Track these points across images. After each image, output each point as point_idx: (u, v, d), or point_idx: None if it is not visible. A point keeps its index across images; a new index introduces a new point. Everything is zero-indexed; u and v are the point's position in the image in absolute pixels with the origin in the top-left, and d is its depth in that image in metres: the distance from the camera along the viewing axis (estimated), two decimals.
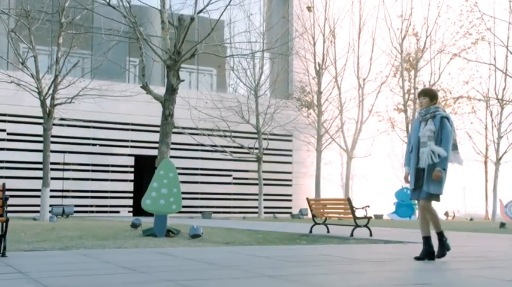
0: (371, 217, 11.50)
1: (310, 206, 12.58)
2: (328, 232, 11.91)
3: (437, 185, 6.14)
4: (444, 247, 6.29)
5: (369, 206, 11.65)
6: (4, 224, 6.23)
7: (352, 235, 10.56)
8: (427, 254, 6.22)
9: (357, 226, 10.93)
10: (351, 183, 33.89)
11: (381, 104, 34.15)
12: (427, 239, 6.26)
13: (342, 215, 12.05)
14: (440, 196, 6.27)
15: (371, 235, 10.76)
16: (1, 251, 6.18)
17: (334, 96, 32.72)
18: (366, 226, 11.03)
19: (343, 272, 5.15)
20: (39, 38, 21.44)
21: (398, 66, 33.79)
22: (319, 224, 12.24)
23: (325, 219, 12.41)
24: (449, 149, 6.17)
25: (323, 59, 32.23)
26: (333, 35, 32.77)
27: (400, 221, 25.80)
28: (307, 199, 12.87)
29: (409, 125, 33.11)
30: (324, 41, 32.47)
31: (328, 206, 12.61)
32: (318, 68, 32.12)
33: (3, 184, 6.57)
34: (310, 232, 11.88)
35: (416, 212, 31.19)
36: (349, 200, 11.33)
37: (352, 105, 33.30)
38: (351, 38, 33.47)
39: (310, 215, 14.03)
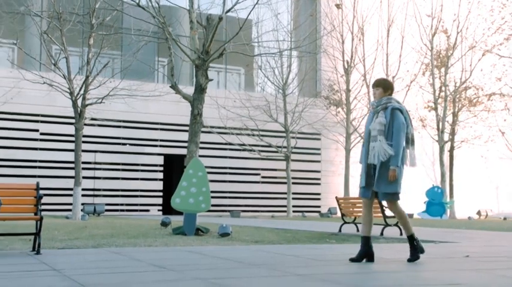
0: None
1: (339, 205, 12.52)
2: (357, 231, 11.82)
3: (390, 184, 5.69)
4: (417, 250, 5.85)
5: None
6: (38, 222, 6.36)
7: (382, 234, 10.46)
8: (366, 255, 5.77)
9: (387, 225, 10.83)
10: None
11: (411, 102, 33.72)
12: (366, 240, 5.80)
13: None
14: (400, 195, 5.81)
15: (401, 234, 10.64)
16: (36, 249, 6.32)
17: (363, 94, 32.44)
18: (396, 225, 10.92)
19: (373, 272, 5.11)
20: (70, 39, 21.81)
21: (428, 64, 33.32)
22: (348, 223, 12.16)
23: (355, 218, 12.33)
24: (400, 144, 5.71)
25: (352, 56, 32.01)
26: (362, 33, 32.50)
27: (431, 220, 25.45)
28: (336, 197, 12.81)
29: (440, 123, 32.63)
30: (353, 39, 32.22)
31: (357, 205, 12.52)
32: (346, 66, 31.91)
33: (37, 183, 6.71)
34: (340, 231, 11.82)
35: (448, 211, 30.74)
36: None
37: None
38: (380, 35, 33.14)
39: (339, 214, 13.95)
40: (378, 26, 33.26)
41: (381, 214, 11.03)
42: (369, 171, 5.81)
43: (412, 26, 33.28)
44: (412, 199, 30.30)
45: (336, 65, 32.51)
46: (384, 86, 6.02)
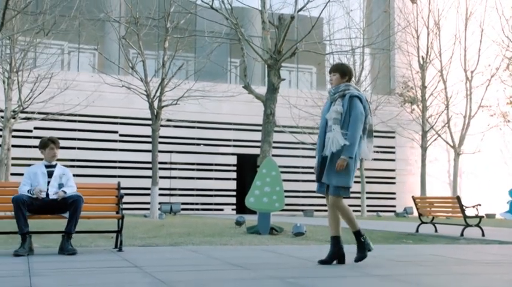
0: (483, 216, 10.92)
1: (416, 204, 12.19)
2: (436, 231, 11.46)
3: (342, 176, 5.19)
4: (364, 248, 5.40)
5: (480, 205, 11.09)
6: (120, 220, 6.59)
7: (462, 234, 10.09)
8: (336, 256, 5.39)
9: (467, 225, 10.43)
10: (459, 180, 32.38)
11: (492, 98, 32.29)
12: (335, 240, 5.42)
13: (450, 214, 11.57)
14: (350, 190, 5.32)
15: (483, 235, 10.21)
16: (118, 246, 6.56)
17: (440, 91, 31.41)
18: (477, 225, 10.49)
19: (454, 274, 4.93)
20: (146, 43, 22.52)
21: (511, 57, 31.77)
22: (426, 223, 11.82)
23: (433, 218, 11.96)
24: (356, 134, 5.21)
25: (427, 52, 31.07)
26: (438, 27, 31.47)
27: None
28: (412, 197, 12.48)
29: None
30: (428, 34, 31.27)
31: (435, 204, 12.15)
32: (421, 62, 31.01)
33: (118, 183, 6.96)
34: (417, 231, 11.50)
35: None
36: (458, 198, 10.84)
37: (459, 99, 31.80)
38: (457, 29, 31.97)
39: (415, 214, 13.59)
40: (455, 20, 32.09)
41: (461, 214, 10.65)
42: (323, 163, 5.36)
43: (493, 18, 31.84)
44: (493, 198, 29.06)
45: (411, 61, 31.67)
46: (341, 72, 5.52)
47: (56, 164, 6.63)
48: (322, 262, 5.35)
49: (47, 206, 6.27)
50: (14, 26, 18.18)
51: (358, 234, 5.46)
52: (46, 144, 6.65)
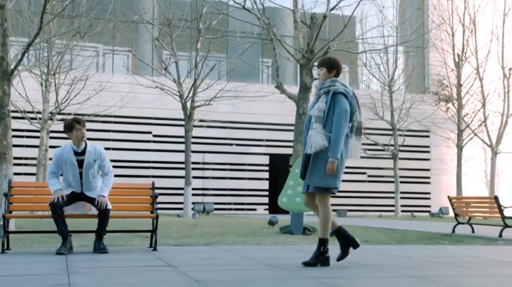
0: None
1: (452, 204, 11.97)
2: (473, 232, 11.24)
3: (329, 177, 4.95)
4: (317, 258, 5.06)
5: None
6: (154, 220, 6.66)
7: (500, 235, 9.87)
8: (351, 244, 5.26)
9: (506, 226, 10.19)
10: (497, 180, 31.67)
11: None
12: (340, 231, 5.28)
13: (487, 215, 11.33)
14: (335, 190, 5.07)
15: None
16: (153, 246, 6.63)
17: (476, 89, 30.78)
18: None
19: (493, 275, 4.83)
20: (179, 44, 22.73)
21: None
22: (462, 223, 11.60)
23: (469, 218, 11.73)
24: (339, 133, 4.94)
25: (463, 49, 30.48)
26: (474, 24, 30.85)
27: None
28: (448, 197, 12.27)
29: None
30: (464, 31, 30.68)
31: (472, 204, 11.91)
32: (457, 60, 30.44)
33: (153, 183, 7.03)
34: (453, 231, 11.30)
35: None
36: (496, 198, 10.60)
37: (496, 97, 31.11)
38: (494, 25, 31.27)
39: (451, 214, 13.35)
40: (492, 16, 31.39)
41: (499, 214, 10.41)
42: (306, 161, 5.13)
43: None
44: None
45: (446, 59, 31.11)
46: (328, 66, 5.22)
47: (85, 148, 6.24)
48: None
49: (81, 196, 6.36)
50: (51, 30, 18.57)
51: (323, 242, 5.09)
52: (71, 125, 6.20)
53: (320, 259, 5.09)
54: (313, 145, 4.99)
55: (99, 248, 6.23)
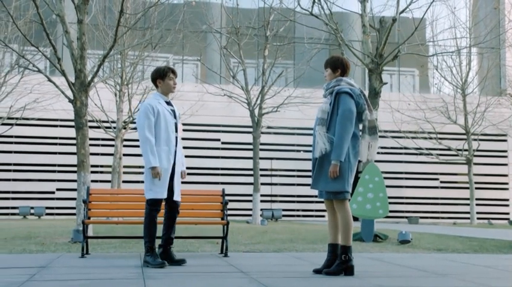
0: None
1: None
2: None
3: (336, 181, 4.78)
4: (340, 266, 4.83)
5: None
6: (225, 226, 6.74)
7: None
8: (331, 265, 4.91)
9: None
10: None
11: None
12: (332, 248, 4.97)
13: None
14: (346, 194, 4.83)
15: None
16: (224, 252, 6.71)
17: None
18: None
19: None
20: (247, 52, 22.98)
21: None
22: None
23: None
24: (344, 135, 4.71)
25: None
26: None
27: None
28: None
29: None
30: None
31: None
32: None
33: (223, 190, 7.12)
34: None
35: None
36: None
37: None
38: None
39: None
40: None
41: None
42: (315, 166, 4.99)
43: None
44: None
45: None
46: (332, 66, 5.04)
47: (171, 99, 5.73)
48: (316, 271, 5.00)
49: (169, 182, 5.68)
50: (124, 42, 19.28)
51: (345, 250, 4.89)
52: (165, 72, 5.61)
53: (343, 267, 4.90)
54: (317, 149, 4.89)
55: (178, 259, 5.65)
